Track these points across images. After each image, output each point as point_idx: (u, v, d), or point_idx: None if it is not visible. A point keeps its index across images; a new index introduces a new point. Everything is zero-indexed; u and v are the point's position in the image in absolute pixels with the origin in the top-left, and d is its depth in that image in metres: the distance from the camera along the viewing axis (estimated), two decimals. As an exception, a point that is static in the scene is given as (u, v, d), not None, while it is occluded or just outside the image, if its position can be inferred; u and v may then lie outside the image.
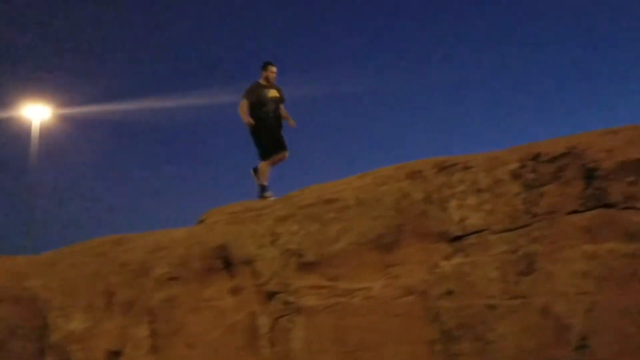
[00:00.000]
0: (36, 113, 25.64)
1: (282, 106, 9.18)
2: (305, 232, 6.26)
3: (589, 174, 5.15)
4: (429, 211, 5.77)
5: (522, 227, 5.36)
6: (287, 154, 8.96)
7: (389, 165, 6.59)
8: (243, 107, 8.78)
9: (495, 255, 5.36)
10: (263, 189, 8.64)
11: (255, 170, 8.90)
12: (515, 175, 5.50)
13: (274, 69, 9.09)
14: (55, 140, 29.79)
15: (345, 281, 5.90)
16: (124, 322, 6.82)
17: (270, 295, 6.15)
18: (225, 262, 6.63)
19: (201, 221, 7.71)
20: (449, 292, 5.41)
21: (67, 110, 28.08)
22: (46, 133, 26.44)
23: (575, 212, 5.17)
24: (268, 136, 8.86)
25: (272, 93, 9.06)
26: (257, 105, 8.87)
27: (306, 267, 6.11)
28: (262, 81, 9.02)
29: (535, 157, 5.44)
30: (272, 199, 8.09)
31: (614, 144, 5.20)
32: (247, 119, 8.69)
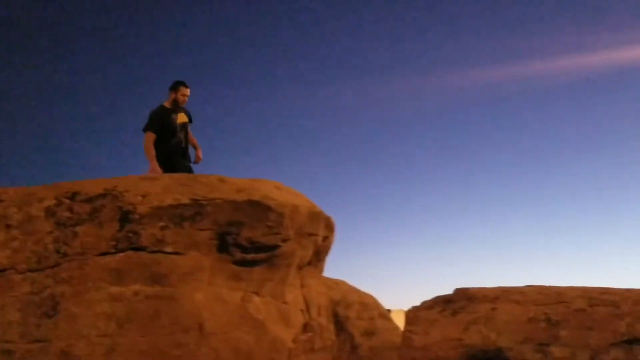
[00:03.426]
0: None
1: (189, 130, 7.75)
2: None
3: (124, 217, 5.35)
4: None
5: (50, 267, 5.19)
6: None
7: None
8: (149, 143, 7.06)
9: (18, 296, 5.03)
10: None
11: None
12: (50, 213, 5.33)
13: (187, 91, 7.37)
14: None
15: None
16: None
17: None
18: None
19: None
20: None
21: None
22: None
23: (106, 253, 5.26)
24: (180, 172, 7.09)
25: (181, 118, 7.38)
26: (166, 136, 7.27)
27: None
28: (167, 104, 7.28)
29: (73, 196, 5.41)
30: None
31: (151, 190, 5.56)
32: (154, 164, 6.97)
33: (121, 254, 5.27)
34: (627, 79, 45.54)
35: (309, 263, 7.06)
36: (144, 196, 5.47)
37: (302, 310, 6.72)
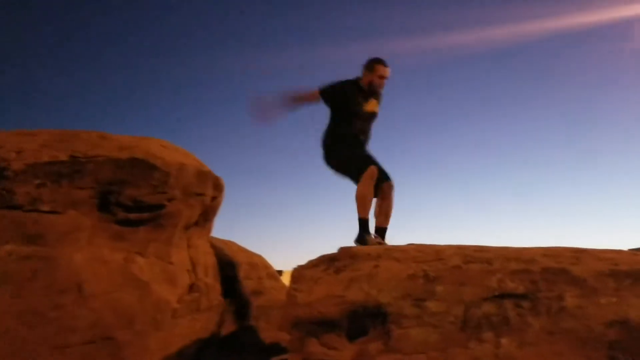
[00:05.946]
0: None
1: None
2: None
3: (-2, 174, 5.17)
4: None
5: None
6: (392, 184, 5.80)
7: None
8: (302, 93, 5.77)
9: None
10: (364, 225, 5.55)
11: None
12: None
13: (386, 71, 5.82)
14: None
15: None
16: None
17: None
18: None
19: None
20: None
21: None
22: None
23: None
24: (358, 152, 5.82)
25: (371, 106, 5.89)
26: (345, 115, 5.82)
27: None
28: (362, 82, 5.84)
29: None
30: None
31: (28, 146, 5.39)
32: (272, 112, 5.68)
33: (-6, 213, 5.11)
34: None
35: (196, 223, 7.10)
36: (18, 152, 5.30)
37: (188, 270, 6.78)
